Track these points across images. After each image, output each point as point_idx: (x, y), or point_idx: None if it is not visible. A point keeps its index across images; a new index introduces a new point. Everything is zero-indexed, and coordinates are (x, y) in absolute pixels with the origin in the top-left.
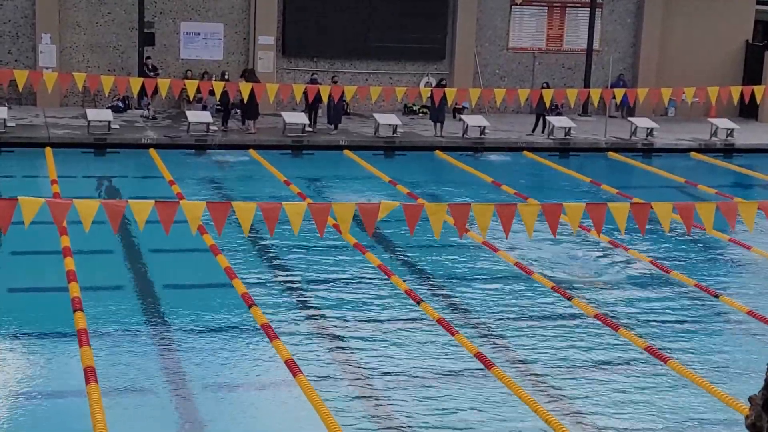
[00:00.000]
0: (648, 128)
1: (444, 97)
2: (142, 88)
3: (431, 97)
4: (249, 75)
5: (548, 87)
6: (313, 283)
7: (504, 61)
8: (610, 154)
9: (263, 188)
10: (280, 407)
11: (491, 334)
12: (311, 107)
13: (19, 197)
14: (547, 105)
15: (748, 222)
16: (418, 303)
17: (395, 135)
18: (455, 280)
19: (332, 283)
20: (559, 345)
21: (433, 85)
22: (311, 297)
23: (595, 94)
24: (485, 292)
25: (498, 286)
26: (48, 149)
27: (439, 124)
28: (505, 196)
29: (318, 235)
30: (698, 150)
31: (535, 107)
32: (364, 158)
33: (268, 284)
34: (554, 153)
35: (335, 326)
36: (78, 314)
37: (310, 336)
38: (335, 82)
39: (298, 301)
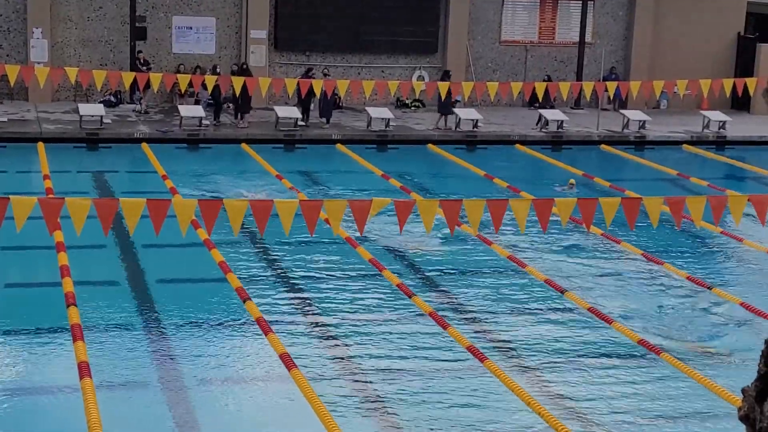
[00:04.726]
0: (640, 121)
1: (449, 90)
2: (134, 82)
3: (438, 90)
4: (243, 69)
5: (550, 80)
6: (307, 276)
7: (496, 54)
8: (603, 146)
9: (255, 183)
10: (275, 401)
11: (484, 328)
12: (304, 101)
13: (11, 197)
14: (540, 98)
15: (735, 216)
16: (410, 297)
17: (388, 129)
18: (447, 274)
19: (325, 277)
20: (552, 338)
21: (426, 79)
22: (305, 291)
23: (587, 87)
24: (477, 285)
25: (490, 279)
26: (40, 144)
27: (445, 117)
28: (498, 189)
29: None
30: (690, 142)
31: (541, 101)
32: (356, 152)
33: (262, 278)
34: (547, 146)
35: (329, 320)
36: (72, 309)
37: (304, 330)
38: (326, 75)
39: (292, 295)
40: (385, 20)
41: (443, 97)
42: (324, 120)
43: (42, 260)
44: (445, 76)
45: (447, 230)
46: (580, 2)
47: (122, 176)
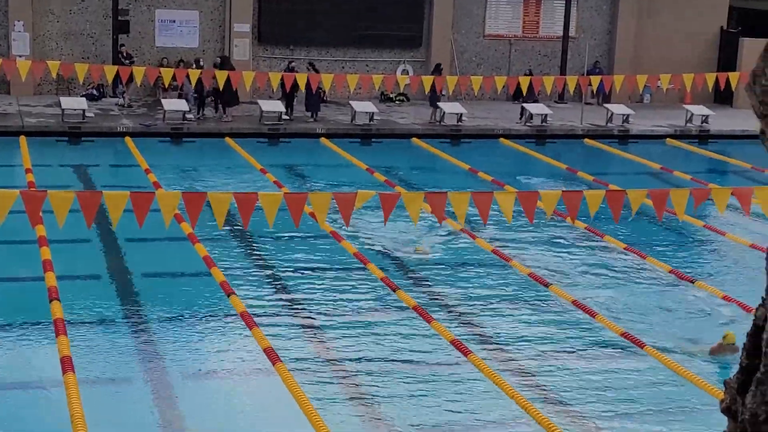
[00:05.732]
0: (624, 115)
1: (433, 83)
2: (117, 76)
3: (432, 85)
4: (224, 62)
5: (531, 74)
6: (291, 271)
7: (480, 49)
8: (587, 140)
9: (239, 177)
10: (259, 396)
11: (468, 321)
12: (288, 95)
13: None
14: (524, 92)
15: (719, 208)
16: (394, 290)
17: (372, 122)
18: (431, 267)
19: (310, 271)
20: (536, 331)
21: (411, 73)
22: (289, 285)
23: (571, 81)
24: (461, 278)
25: (474, 272)
26: (22, 138)
27: (434, 110)
28: (483, 183)
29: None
30: (674, 136)
31: (525, 95)
32: (340, 146)
33: (246, 273)
34: (531, 140)
35: (313, 314)
36: (54, 304)
37: (289, 324)
38: (312, 66)
39: (276, 289)
40: (370, 14)
41: (427, 91)
42: (310, 114)
43: (24, 254)
44: (436, 69)
45: (436, 226)
46: None
47: (105, 170)
